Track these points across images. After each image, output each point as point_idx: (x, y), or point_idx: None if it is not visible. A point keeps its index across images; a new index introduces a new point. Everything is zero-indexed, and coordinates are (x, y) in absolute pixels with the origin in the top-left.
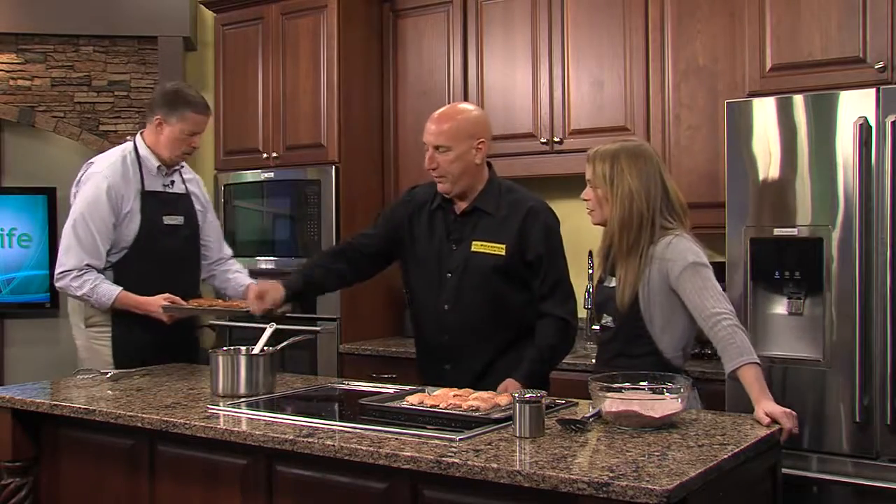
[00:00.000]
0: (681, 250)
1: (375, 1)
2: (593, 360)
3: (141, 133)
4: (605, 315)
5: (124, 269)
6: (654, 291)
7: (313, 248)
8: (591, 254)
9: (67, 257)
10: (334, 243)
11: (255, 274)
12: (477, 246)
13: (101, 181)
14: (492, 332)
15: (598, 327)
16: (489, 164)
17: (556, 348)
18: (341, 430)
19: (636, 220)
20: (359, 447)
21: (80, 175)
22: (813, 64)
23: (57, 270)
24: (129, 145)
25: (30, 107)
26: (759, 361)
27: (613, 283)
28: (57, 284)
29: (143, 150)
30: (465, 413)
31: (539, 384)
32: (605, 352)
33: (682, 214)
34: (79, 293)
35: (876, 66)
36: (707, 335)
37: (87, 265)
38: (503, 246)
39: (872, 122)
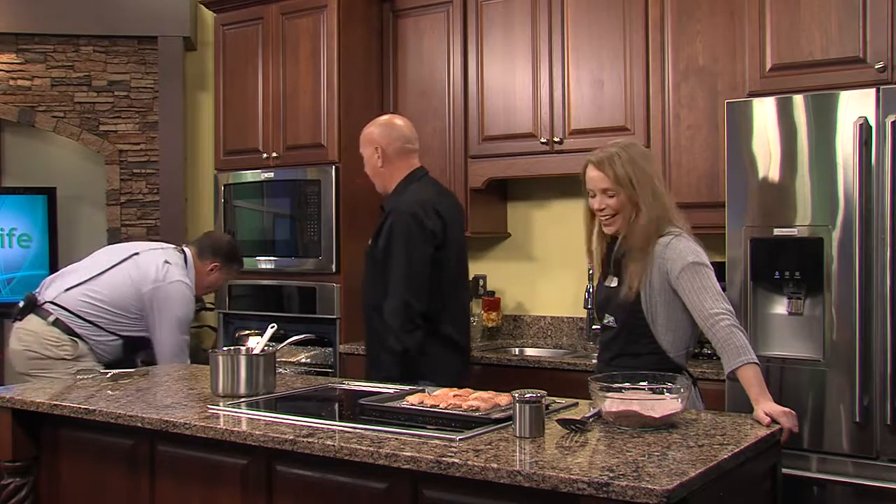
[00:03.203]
0: (680, 250)
1: (375, 1)
2: (594, 360)
3: (186, 256)
4: (606, 315)
5: (133, 345)
6: (656, 291)
7: (313, 248)
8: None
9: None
10: (334, 243)
11: (255, 274)
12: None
13: (191, 298)
14: (376, 318)
15: (598, 327)
16: (419, 169)
17: (386, 351)
18: (341, 430)
19: (663, 215)
20: (359, 447)
21: (157, 269)
22: (813, 64)
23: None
24: (183, 263)
25: (30, 107)
26: (757, 361)
27: (614, 283)
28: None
29: (191, 277)
30: (465, 413)
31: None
32: (608, 351)
33: (676, 209)
34: None
35: (876, 66)
36: (706, 335)
37: None
38: (370, 239)
39: (872, 122)
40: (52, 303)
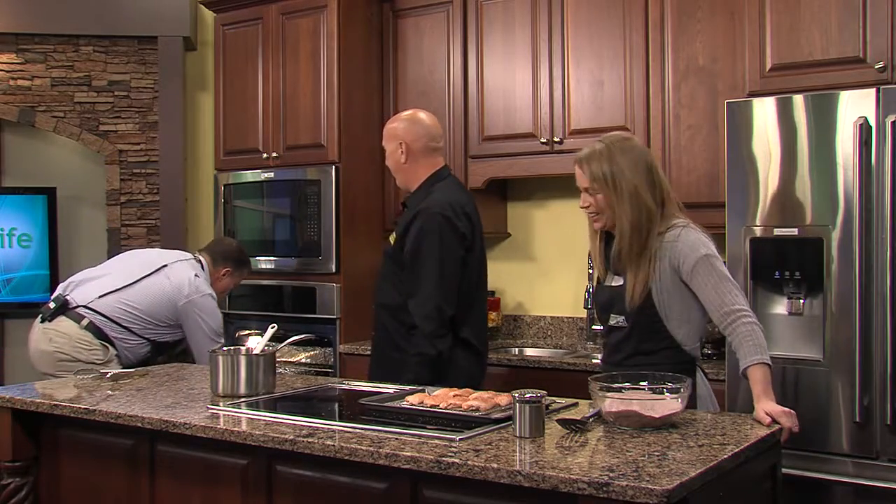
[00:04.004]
0: (691, 242)
1: (375, 1)
2: (594, 361)
3: (202, 266)
4: (613, 315)
5: (160, 346)
6: (667, 285)
7: (313, 248)
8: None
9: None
10: (334, 243)
11: (255, 274)
12: (391, 235)
13: (217, 306)
14: (390, 320)
15: (598, 327)
16: (444, 168)
17: (416, 354)
18: (341, 430)
19: (646, 217)
20: (359, 447)
21: (189, 283)
22: (813, 64)
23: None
24: (203, 273)
25: (30, 107)
26: (769, 363)
27: (617, 283)
28: None
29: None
30: (465, 413)
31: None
32: (618, 352)
33: (677, 203)
34: None
35: (876, 66)
36: (723, 331)
37: None
38: (395, 236)
39: (872, 122)
40: (85, 307)
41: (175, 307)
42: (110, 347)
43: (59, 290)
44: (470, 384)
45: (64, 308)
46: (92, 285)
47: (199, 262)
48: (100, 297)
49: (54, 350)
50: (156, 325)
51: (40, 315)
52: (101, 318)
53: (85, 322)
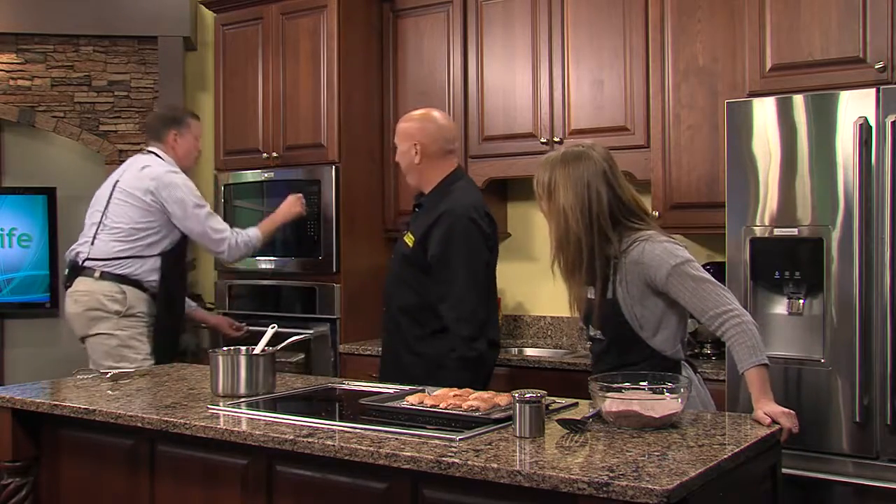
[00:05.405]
0: (658, 255)
1: (375, 1)
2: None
3: (156, 154)
4: (591, 327)
5: (170, 257)
6: (637, 299)
7: (313, 248)
8: None
9: (220, 223)
10: (334, 243)
11: (255, 274)
12: (405, 236)
13: (185, 177)
14: (407, 322)
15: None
16: (458, 170)
17: (457, 358)
18: (341, 430)
19: (573, 239)
20: (359, 447)
21: (147, 178)
22: (813, 64)
23: (219, 240)
24: (158, 160)
25: (30, 107)
26: (766, 362)
27: (591, 295)
28: (227, 250)
29: (171, 162)
30: (465, 413)
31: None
32: (602, 363)
33: (643, 215)
34: (249, 241)
35: (876, 66)
36: (715, 334)
37: None
38: (413, 237)
39: (872, 122)
40: (90, 259)
41: (148, 206)
42: (128, 290)
43: (68, 257)
44: (490, 381)
45: (77, 269)
46: (84, 239)
47: (150, 152)
48: (92, 244)
49: (84, 309)
50: (146, 233)
51: (64, 284)
52: (106, 262)
53: (97, 273)
